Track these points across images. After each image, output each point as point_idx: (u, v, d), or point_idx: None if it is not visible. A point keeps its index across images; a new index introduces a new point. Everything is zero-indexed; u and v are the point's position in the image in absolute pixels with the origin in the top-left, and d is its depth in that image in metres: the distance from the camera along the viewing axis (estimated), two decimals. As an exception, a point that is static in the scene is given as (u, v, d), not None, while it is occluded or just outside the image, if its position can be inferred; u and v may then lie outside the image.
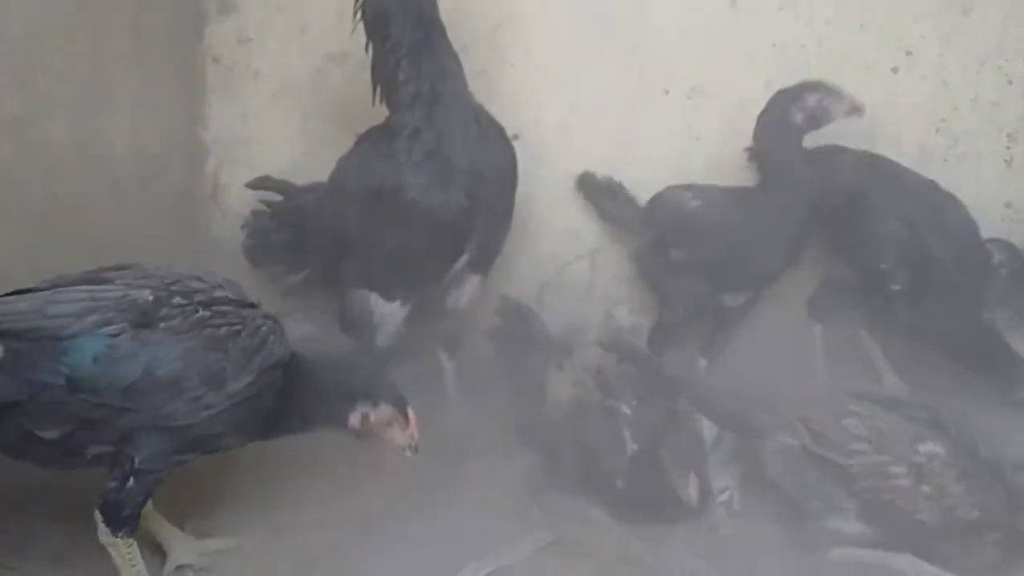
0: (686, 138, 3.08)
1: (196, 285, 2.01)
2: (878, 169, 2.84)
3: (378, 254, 2.48)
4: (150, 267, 2.06)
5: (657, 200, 2.93)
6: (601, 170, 3.09)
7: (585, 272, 3.20)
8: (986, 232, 2.87)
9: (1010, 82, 2.92)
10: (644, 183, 3.03)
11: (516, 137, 3.04)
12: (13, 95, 2.45)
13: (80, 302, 1.91)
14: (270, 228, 2.90)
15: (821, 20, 2.94)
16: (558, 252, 3.18)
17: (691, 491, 2.29)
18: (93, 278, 1.99)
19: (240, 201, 3.14)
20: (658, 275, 2.90)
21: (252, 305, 2.08)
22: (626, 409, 2.45)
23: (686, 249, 2.80)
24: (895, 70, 2.95)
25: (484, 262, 2.66)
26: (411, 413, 2.13)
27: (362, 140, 2.56)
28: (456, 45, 2.95)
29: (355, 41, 2.57)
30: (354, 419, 2.11)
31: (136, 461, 1.95)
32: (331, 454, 2.41)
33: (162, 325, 1.92)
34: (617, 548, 2.33)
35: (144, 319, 1.91)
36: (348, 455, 2.39)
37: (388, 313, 2.55)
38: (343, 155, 2.58)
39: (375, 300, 2.54)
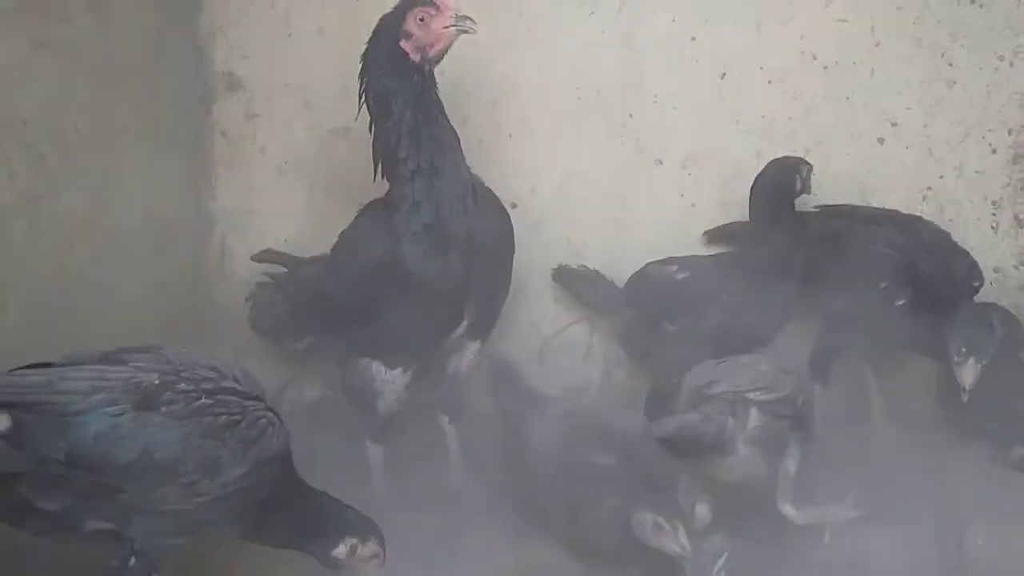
0: (681, 206, 3.16)
1: (206, 373, 2.04)
2: (857, 211, 2.95)
3: (379, 324, 2.52)
4: (171, 352, 2.08)
5: (641, 277, 2.99)
6: (597, 238, 3.17)
7: (584, 334, 3.25)
8: (975, 297, 2.94)
9: (994, 151, 3.01)
10: (641, 250, 3.09)
11: (515, 205, 3.14)
12: (26, 170, 2.51)
13: (89, 380, 1.95)
14: (274, 299, 2.94)
15: (808, 93, 3.04)
16: (557, 315, 3.24)
17: (682, 542, 2.29)
18: (110, 358, 2.03)
19: (246, 270, 3.19)
20: (650, 348, 2.95)
21: (256, 398, 2.11)
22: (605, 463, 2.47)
23: (679, 321, 2.86)
24: (881, 140, 3.04)
25: (483, 328, 2.70)
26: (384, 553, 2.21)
27: (363, 213, 2.63)
28: (456, 117, 3.04)
29: (357, 117, 2.65)
30: (341, 550, 2.16)
31: (135, 542, 1.98)
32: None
33: (163, 409, 1.95)
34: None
35: (147, 402, 1.94)
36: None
37: (390, 380, 2.59)
38: (345, 228, 2.65)
39: (377, 368, 2.58)
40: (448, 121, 2.54)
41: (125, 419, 1.93)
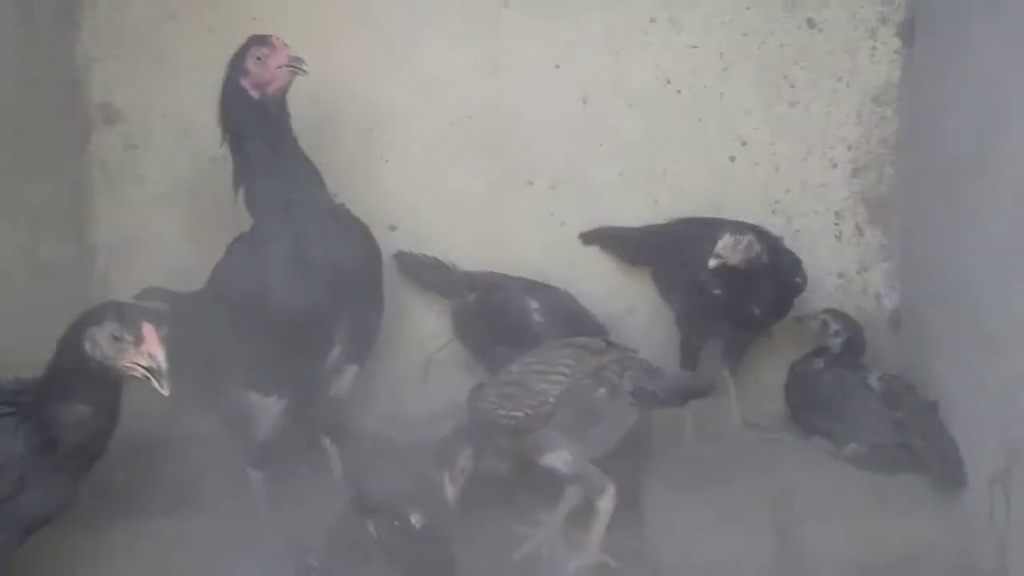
0: (551, 224, 3.32)
1: None
2: (693, 221, 3.15)
3: (251, 353, 2.59)
4: None
5: (504, 297, 3.15)
6: (474, 256, 3.29)
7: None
8: (820, 303, 3.18)
9: (835, 166, 3.25)
10: (517, 266, 3.25)
11: (394, 228, 3.27)
12: None
13: None
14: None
15: (664, 116, 3.23)
16: (439, 332, 3.36)
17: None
18: None
19: (129, 298, 3.23)
20: (484, 353, 3.15)
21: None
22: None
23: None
24: (732, 159, 3.25)
25: (359, 352, 2.80)
26: (147, 329, 2.09)
27: (231, 247, 2.70)
28: (333, 144, 3.18)
29: (222, 146, 2.71)
30: (87, 345, 2.07)
31: None
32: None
33: None
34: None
35: None
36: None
37: (265, 408, 2.68)
38: (216, 263, 2.73)
39: (252, 396, 2.67)
40: (302, 153, 2.62)
41: None
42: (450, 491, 2.58)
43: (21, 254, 2.97)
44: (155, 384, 2.13)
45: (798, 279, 2.99)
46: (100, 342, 2.07)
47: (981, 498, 2.47)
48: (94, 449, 2.19)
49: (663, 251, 3.17)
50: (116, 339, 2.07)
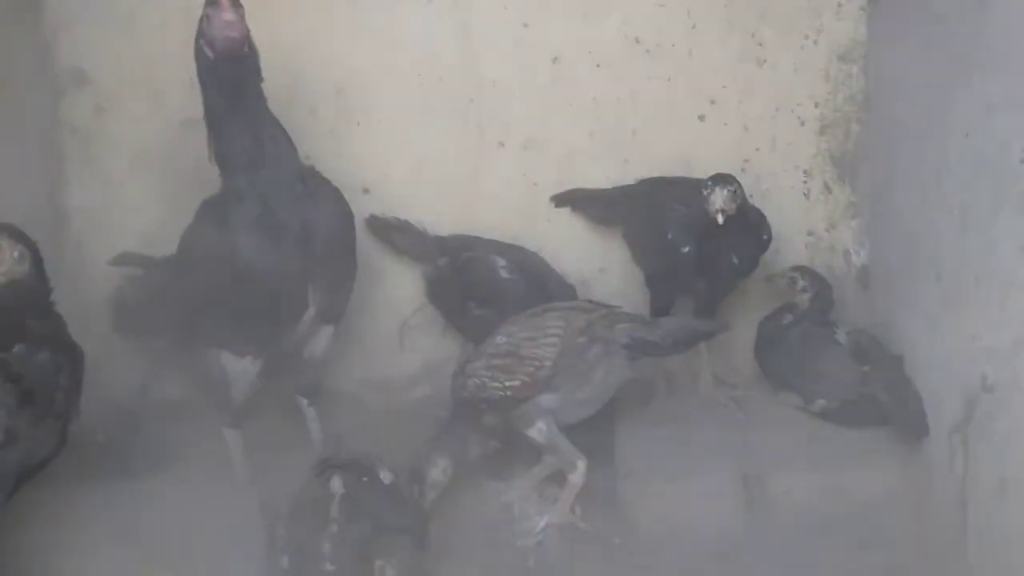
0: (524, 185, 3.33)
1: None
2: (661, 180, 3.18)
3: (224, 315, 2.62)
4: None
5: (470, 256, 3.18)
6: (448, 218, 3.32)
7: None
8: (790, 260, 3.22)
9: (802, 124, 3.27)
10: (490, 228, 3.28)
11: (367, 191, 3.28)
12: None
13: None
14: (132, 300, 3.04)
15: (634, 75, 3.23)
16: (413, 296, 3.37)
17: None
18: None
19: (104, 266, 3.22)
20: (455, 315, 3.21)
21: None
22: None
23: (487, 310, 3.07)
24: (702, 118, 3.26)
25: (332, 312, 2.81)
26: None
27: (201, 208, 2.70)
28: (304, 108, 3.19)
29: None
30: None
31: None
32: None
33: None
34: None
35: None
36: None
37: (240, 369, 2.71)
38: (186, 226, 2.74)
39: (226, 357, 2.69)
40: (269, 114, 2.61)
41: None
42: (425, 501, 2.61)
43: (-7, 219, 2.99)
44: None
45: (764, 235, 3.01)
46: None
47: (942, 448, 2.53)
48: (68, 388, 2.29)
49: (633, 211, 3.19)
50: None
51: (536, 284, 3.07)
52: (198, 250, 2.66)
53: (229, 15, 2.46)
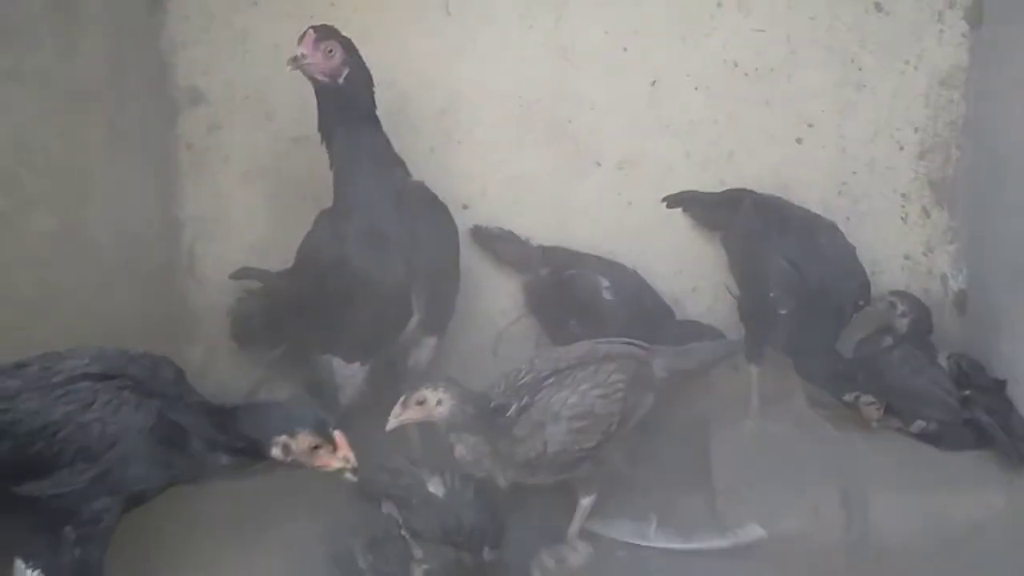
0: (618, 204, 3.39)
1: (62, 366, 2.19)
2: (766, 208, 3.14)
3: (336, 322, 2.74)
4: (61, 353, 2.25)
5: (573, 275, 3.23)
6: (543, 235, 3.38)
7: (534, 325, 3.44)
8: (887, 283, 3.22)
9: (901, 148, 3.28)
10: (583, 245, 3.34)
11: (466, 207, 3.37)
12: (1, 193, 2.66)
13: None
14: (251, 312, 3.18)
15: (731, 98, 3.28)
16: (508, 308, 3.46)
17: None
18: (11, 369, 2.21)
19: (215, 275, 3.40)
20: (556, 327, 3.23)
21: (111, 377, 2.21)
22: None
23: (588, 328, 3.05)
24: (799, 141, 3.29)
25: (436, 323, 2.92)
26: (338, 436, 2.23)
27: (317, 220, 2.85)
28: (407, 126, 3.29)
29: (315, 126, 2.80)
30: (276, 452, 2.21)
31: (67, 532, 2.13)
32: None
33: (21, 407, 2.13)
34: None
35: (6, 404, 2.12)
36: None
37: (349, 375, 2.81)
38: (305, 236, 2.86)
39: (336, 363, 2.80)
40: (377, 131, 2.75)
41: None
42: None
43: (112, 229, 3.12)
44: (348, 476, 2.26)
45: (861, 301, 3.01)
46: (294, 450, 2.21)
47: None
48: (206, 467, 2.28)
49: (739, 229, 3.17)
50: (315, 449, 2.22)
51: (635, 305, 3.11)
52: (313, 259, 2.79)
53: (307, 54, 2.66)
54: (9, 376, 2.19)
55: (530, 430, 2.55)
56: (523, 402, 2.57)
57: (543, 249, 3.33)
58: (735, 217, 3.19)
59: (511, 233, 3.36)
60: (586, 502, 2.69)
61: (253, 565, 2.62)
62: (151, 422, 2.19)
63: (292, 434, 2.21)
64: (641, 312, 3.10)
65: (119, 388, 2.20)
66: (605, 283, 3.16)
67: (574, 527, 2.70)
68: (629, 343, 2.80)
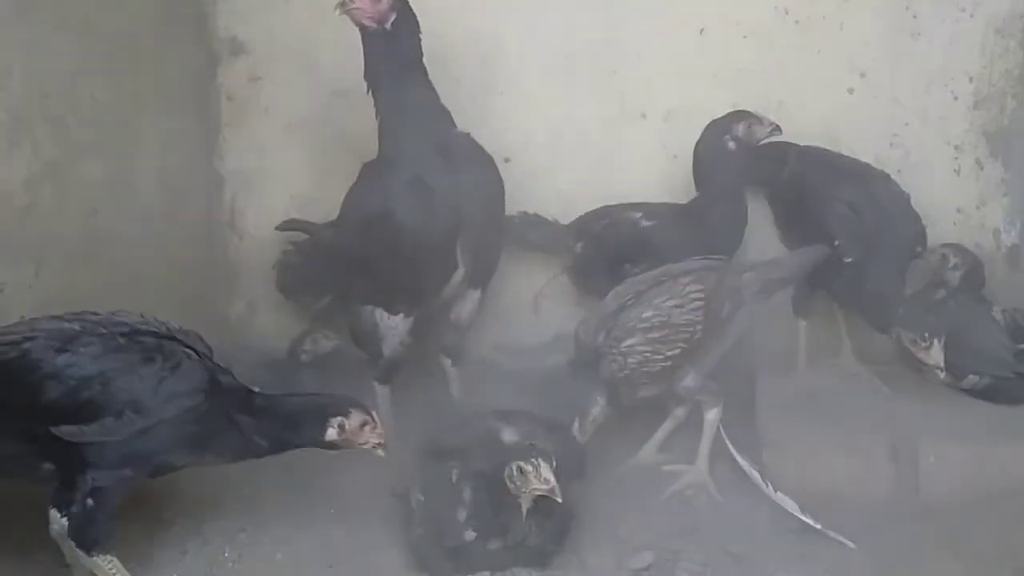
0: (664, 157, 3.34)
1: (128, 320, 2.26)
2: (816, 159, 3.09)
3: (379, 273, 2.73)
4: (116, 311, 2.29)
5: (602, 218, 3.20)
6: (585, 189, 3.34)
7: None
8: (938, 237, 3.14)
9: (955, 98, 3.20)
10: (627, 199, 3.27)
11: (507, 160, 3.32)
12: (50, 140, 2.68)
13: (20, 332, 2.19)
14: (297, 263, 3.18)
15: (781, 47, 3.21)
16: (550, 265, 3.40)
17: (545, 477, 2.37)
18: (72, 316, 2.25)
19: (255, 226, 3.42)
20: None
21: (175, 338, 2.28)
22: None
23: (642, 264, 3.02)
24: (851, 91, 3.22)
25: (481, 276, 2.90)
26: (376, 415, 2.37)
27: (362, 172, 2.83)
28: (449, 77, 3.22)
29: (356, 78, 2.81)
30: (331, 432, 2.31)
31: (89, 479, 2.15)
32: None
33: (82, 350, 2.15)
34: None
35: (67, 345, 2.15)
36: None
37: (392, 326, 2.81)
38: (349, 188, 2.84)
39: (380, 314, 2.80)
40: (424, 80, 2.72)
41: (47, 361, 2.13)
42: (576, 429, 2.67)
43: (155, 178, 3.14)
44: (379, 452, 2.38)
45: (919, 248, 2.98)
46: (347, 428, 2.32)
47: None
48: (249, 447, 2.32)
49: (785, 183, 3.12)
50: (363, 426, 2.33)
51: (679, 222, 3.08)
52: (359, 210, 2.77)
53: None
54: (68, 320, 2.22)
55: (613, 348, 2.70)
56: (609, 327, 2.71)
57: (569, 227, 3.27)
58: (780, 171, 3.13)
59: (537, 216, 3.31)
60: (711, 415, 2.75)
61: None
62: (205, 388, 2.24)
63: (347, 414, 2.32)
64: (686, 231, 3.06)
65: (183, 350, 2.26)
66: (637, 214, 3.13)
67: (704, 444, 2.75)
68: (706, 258, 2.84)
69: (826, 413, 2.84)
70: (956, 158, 3.23)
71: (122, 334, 2.21)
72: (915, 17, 3.15)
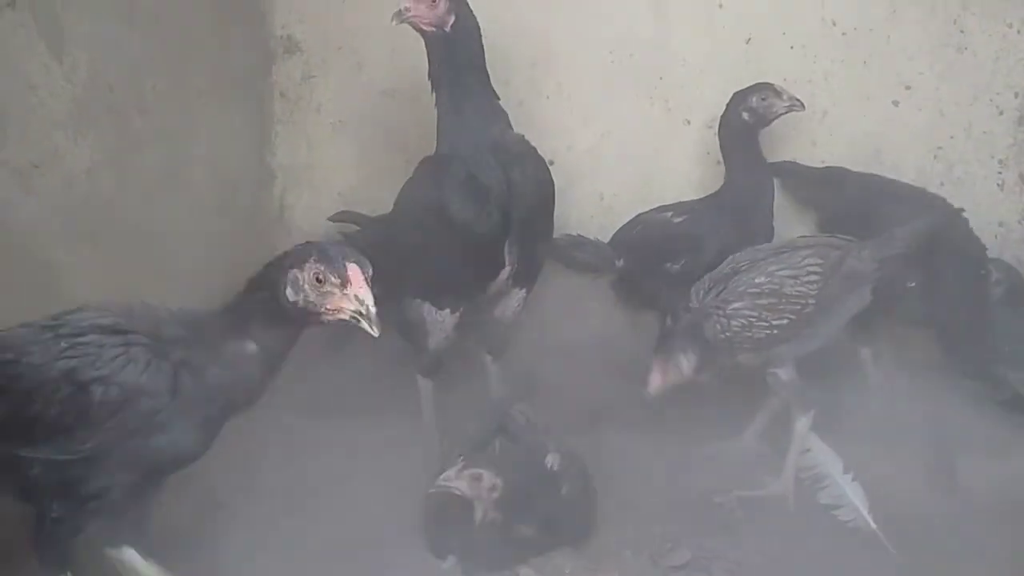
0: (707, 163, 3.38)
1: (74, 316, 1.94)
2: (878, 187, 3.10)
3: (429, 267, 2.78)
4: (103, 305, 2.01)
5: (636, 226, 3.24)
6: (628, 194, 3.39)
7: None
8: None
9: (1000, 112, 3.21)
10: (671, 202, 3.29)
11: (552, 162, 3.33)
12: (113, 131, 2.78)
13: None
14: None
15: (827, 57, 3.24)
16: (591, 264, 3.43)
17: None
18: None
19: (304, 221, 3.50)
20: (652, 291, 3.17)
21: (121, 332, 1.92)
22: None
23: (682, 260, 3.09)
24: (895, 103, 3.24)
25: (527, 276, 2.93)
26: (352, 269, 1.90)
27: (418, 168, 2.88)
28: (498, 80, 3.26)
29: (405, 78, 2.89)
30: (289, 291, 1.89)
31: (52, 506, 1.89)
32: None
33: (24, 360, 1.87)
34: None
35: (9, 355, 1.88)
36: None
37: (439, 320, 2.86)
38: (405, 182, 2.89)
39: (427, 308, 2.85)
40: (481, 82, 2.75)
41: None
42: (657, 381, 2.66)
43: (208, 171, 3.23)
44: (364, 326, 1.92)
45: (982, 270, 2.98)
46: (303, 285, 1.91)
47: None
48: (242, 395, 2.02)
49: (845, 211, 3.10)
50: (320, 282, 1.90)
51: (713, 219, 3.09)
52: (411, 205, 2.83)
53: (411, 6, 2.65)
54: (22, 325, 1.95)
55: (719, 309, 2.68)
56: (720, 288, 2.70)
57: (609, 245, 3.30)
58: (836, 197, 3.14)
59: (581, 237, 3.34)
60: (800, 426, 2.70)
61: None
62: (166, 385, 1.89)
63: (301, 264, 1.91)
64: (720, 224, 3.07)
65: (127, 344, 1.91)
66: (668, 213, 3.17)
67: (791, 456, 2.71)
68: (832, 236, 2.82)
69: (867, 419, 2.84)
70: (1000, 172, 3.23)
71: (63, 336, 1.90)
72: (962, 32, 3.16)
